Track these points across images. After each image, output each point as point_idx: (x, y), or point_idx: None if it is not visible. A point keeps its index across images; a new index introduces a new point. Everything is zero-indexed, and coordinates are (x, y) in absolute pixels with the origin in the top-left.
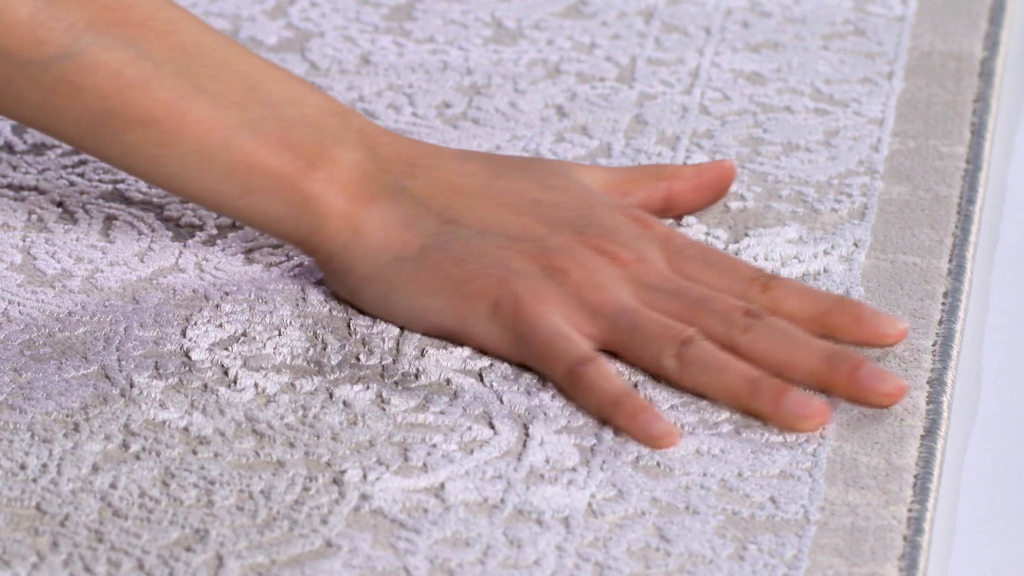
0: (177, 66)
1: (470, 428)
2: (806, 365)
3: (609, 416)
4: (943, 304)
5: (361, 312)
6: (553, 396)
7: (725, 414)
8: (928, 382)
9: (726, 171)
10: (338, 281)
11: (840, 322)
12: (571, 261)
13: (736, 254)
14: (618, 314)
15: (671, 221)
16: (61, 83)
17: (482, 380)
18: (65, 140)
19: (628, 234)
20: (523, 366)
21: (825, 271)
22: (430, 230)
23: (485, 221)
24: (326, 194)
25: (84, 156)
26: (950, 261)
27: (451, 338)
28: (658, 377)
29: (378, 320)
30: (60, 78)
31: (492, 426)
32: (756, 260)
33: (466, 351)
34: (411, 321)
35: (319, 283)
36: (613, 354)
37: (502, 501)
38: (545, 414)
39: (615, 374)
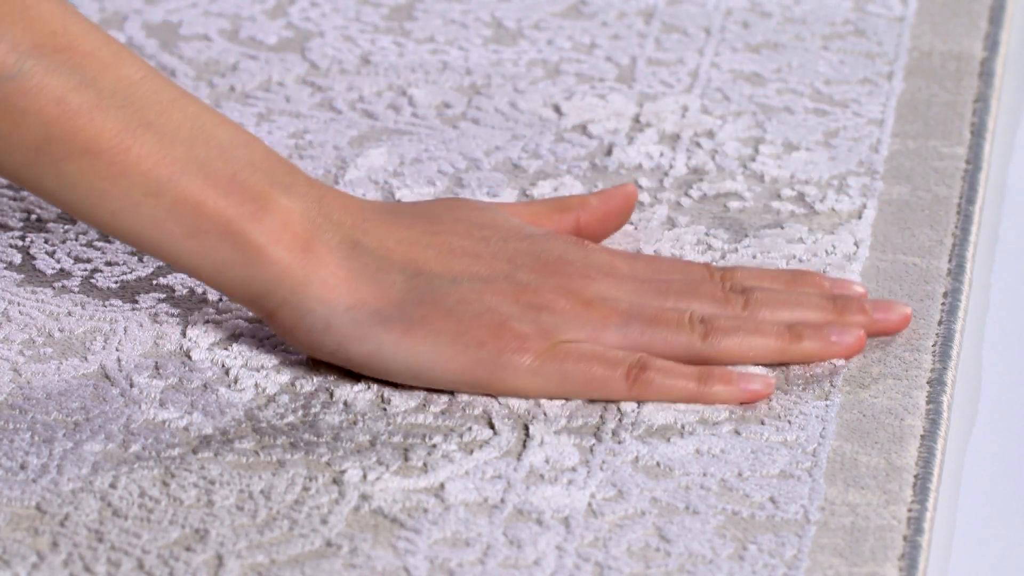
0: (123, 98)
1: (470, 428)
2: (818, 316)
3: (693, 396)
4: (943, 304)
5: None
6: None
7: (725, 414)
8: (928, 382)
9: (629, 196)
10: (309, 338)
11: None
12: (550, 292)
13: (735, 253)
14: (626, 319)
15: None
16: (3, 105)
17: None
18: (3, 171)
19: (578, 254)
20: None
21: (825, 271)
22: (402, 284)
23: (451, 269)
24: (277, 244)
25: None
26: (950, 261)
27: (458, 390)
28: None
29: None
30: (2, 100)
31: (492, 426)
32: (755, 259)
33: None
34: (409, 378)
35: None
36: None
37: (502, 501)
38: (545, 414)
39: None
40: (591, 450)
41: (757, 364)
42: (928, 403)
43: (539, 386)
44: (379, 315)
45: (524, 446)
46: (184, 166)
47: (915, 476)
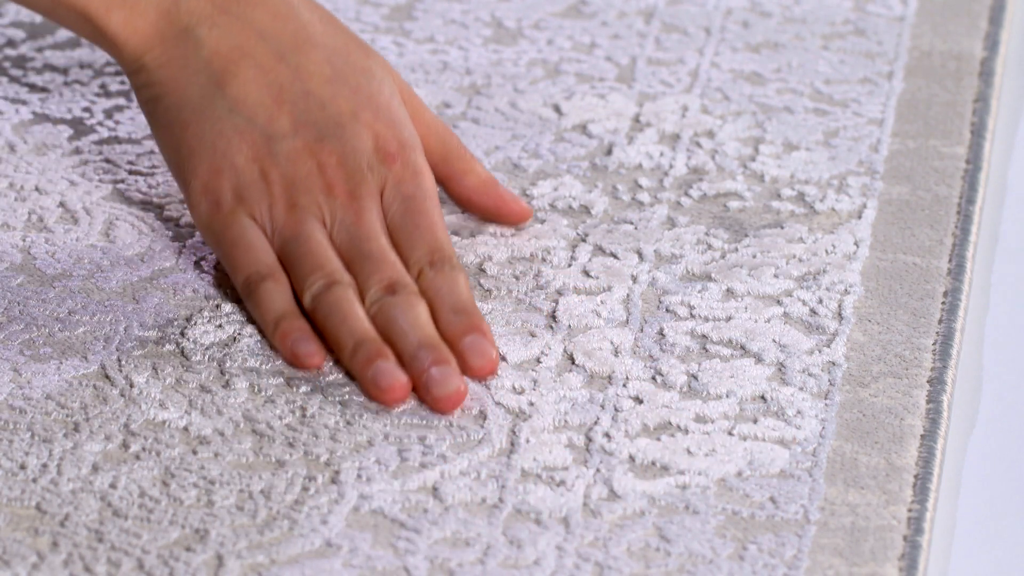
0: None
1: (464, 428)
2: (401, 349)
3: (268, 332)
4: (943, 304)
5: None
6: (544, 396)
7: (722, 411)
8: (928, 382)
9: (511, 208)
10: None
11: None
12: (286, 172)
13: (735, 253)
14: (294, 238)
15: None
16: None
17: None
18: None
19: (361, 162)
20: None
21: (825, 271)
22: (197, 88)
23: (243, 99)
24: (121, 33)
25: (85, 156)
26: (950, 261)
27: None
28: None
29: None
30: None
31: (485, 426)
32: (755, 258)
33: None
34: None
35: None
36: None
37: (500, 500)
38: (538, 413)
39: (289, 295)
40: (586, 449)
41: (328, 335)
42: (928, 403)
43: (205, 238)
44: (161, 101)
45: (514, 445)
46: None
47: (915, 476)
